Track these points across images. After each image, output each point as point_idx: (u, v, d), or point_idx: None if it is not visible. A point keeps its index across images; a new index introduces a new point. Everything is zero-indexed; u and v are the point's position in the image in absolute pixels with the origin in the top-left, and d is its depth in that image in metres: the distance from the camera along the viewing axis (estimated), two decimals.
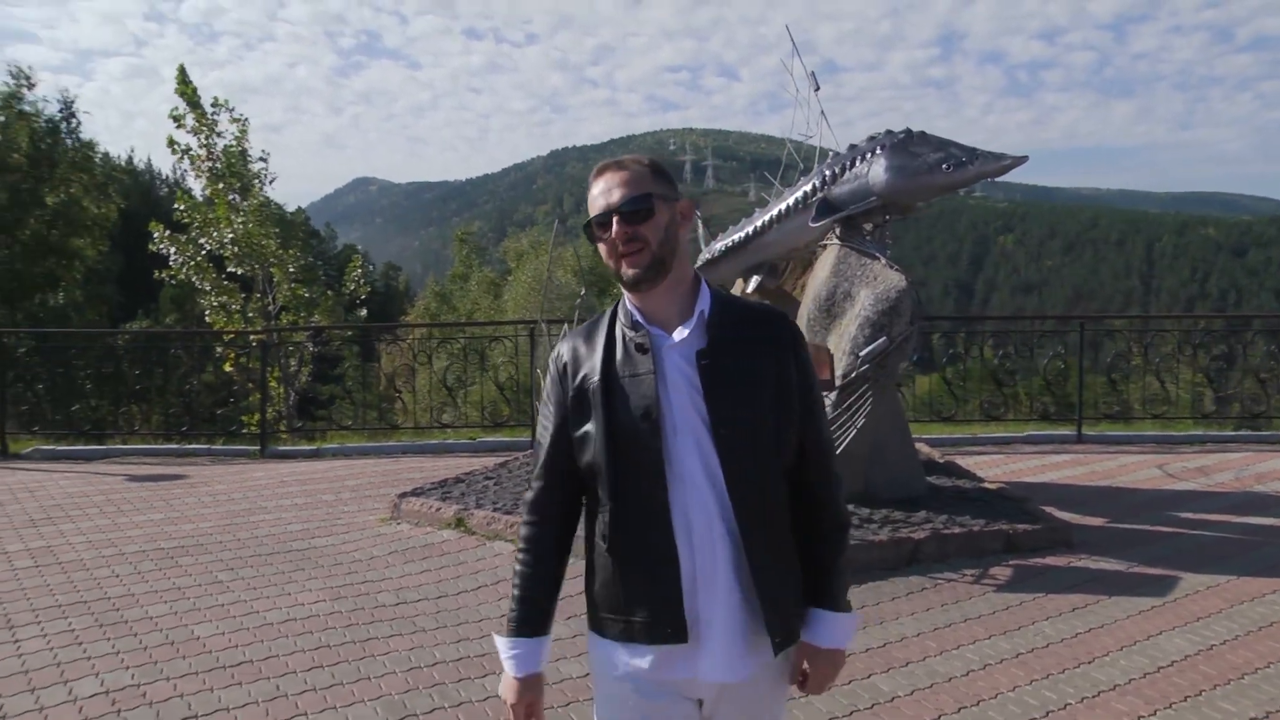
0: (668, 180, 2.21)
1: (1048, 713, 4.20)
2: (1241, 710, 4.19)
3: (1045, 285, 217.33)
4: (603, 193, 2.14)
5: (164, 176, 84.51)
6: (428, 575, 6.26)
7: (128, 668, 4.80)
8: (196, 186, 15.65)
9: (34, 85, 28.69)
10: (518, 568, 2.28)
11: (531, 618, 2.26)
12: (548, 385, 2.29)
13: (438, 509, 7.42)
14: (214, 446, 11.53)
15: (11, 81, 28.41)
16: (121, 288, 38.43)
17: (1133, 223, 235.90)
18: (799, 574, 2.23)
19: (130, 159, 77.26)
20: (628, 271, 2.12)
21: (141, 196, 64.11)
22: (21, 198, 27.66)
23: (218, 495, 8.71)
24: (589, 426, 2.16)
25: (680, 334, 2.12)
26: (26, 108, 28.94)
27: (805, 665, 2.24)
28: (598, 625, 2.24)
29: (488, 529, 7.05)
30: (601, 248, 2.16)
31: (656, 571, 2.12)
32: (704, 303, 2.16)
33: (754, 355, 2.15)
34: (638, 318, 2.17)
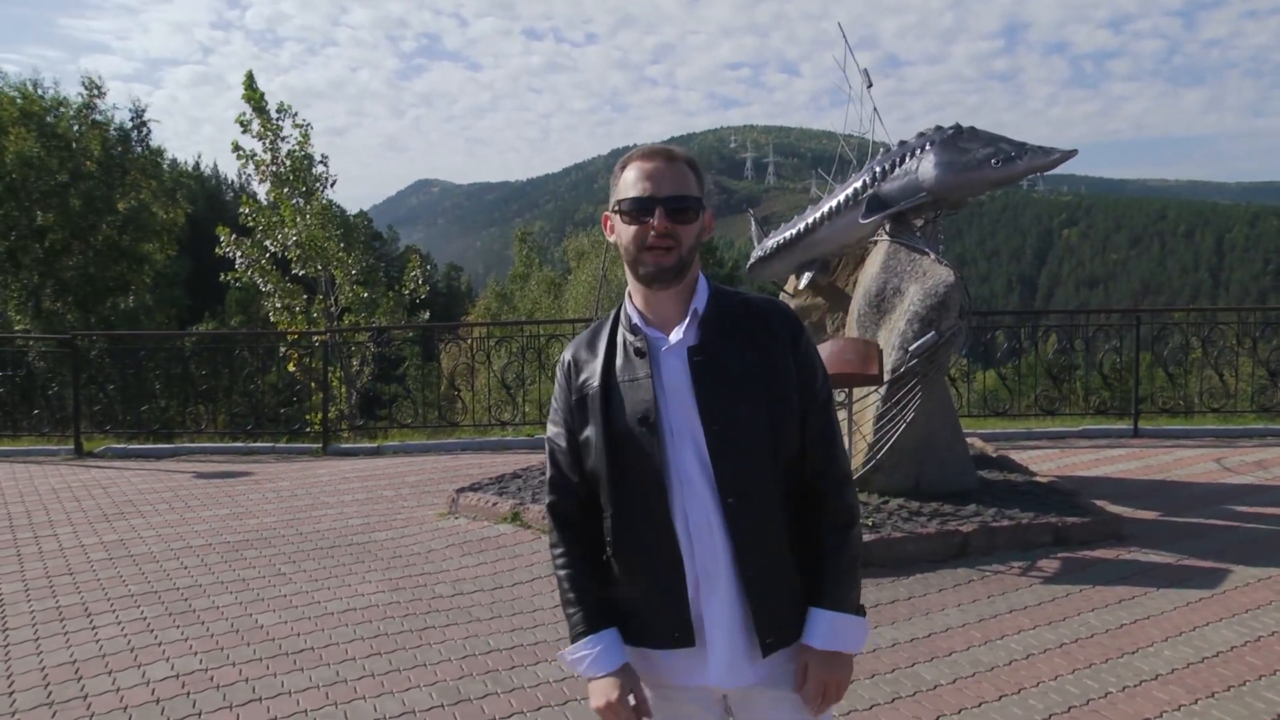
0: (703, 186, 2.18)
1: (1089, 700, 4.24)
2: None
3: (1111, 279, 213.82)
4: (650, 178, 2.08)
5: (229, 181, 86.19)
6: (484, 568, 6.43)
7: (196, 654, 5.02)
8: (261, 190, 15.98)
9: (104, 94, 29.42)
10: (560, 574, 2.23)
11: (593, 614, 2.18)
12: (556, 390, 2.28)
13: (494, 504, 7.59)
14: (278, 445, 11.85)
15: (85, 92, 29.20)
16: (189, 291, 39.21)
17: (1201, 214, 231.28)
18: (801, 574, 2.17)
19: (197, 164, 79.01)
20: (650, 266, 2.08)
21: (208, 201, 65.51)
22: (95, 204, 28.43)
23: (281, 491, 8.97)
24: (589, 432, 2.15)
25: (676, 335, 2.11)
26: (99, 117, 29.75)
27: (808, 675, 2.13)
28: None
29: (543, 523, 7.20)
30: (628, 231, 2.10)
31: (661, 576, 2.10)
32: (699, 300, 2.13)
33: (746, 351, 2.11)
34: (636, 320, 2.16)
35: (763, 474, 2.09)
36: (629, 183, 2.09)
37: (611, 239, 2.19)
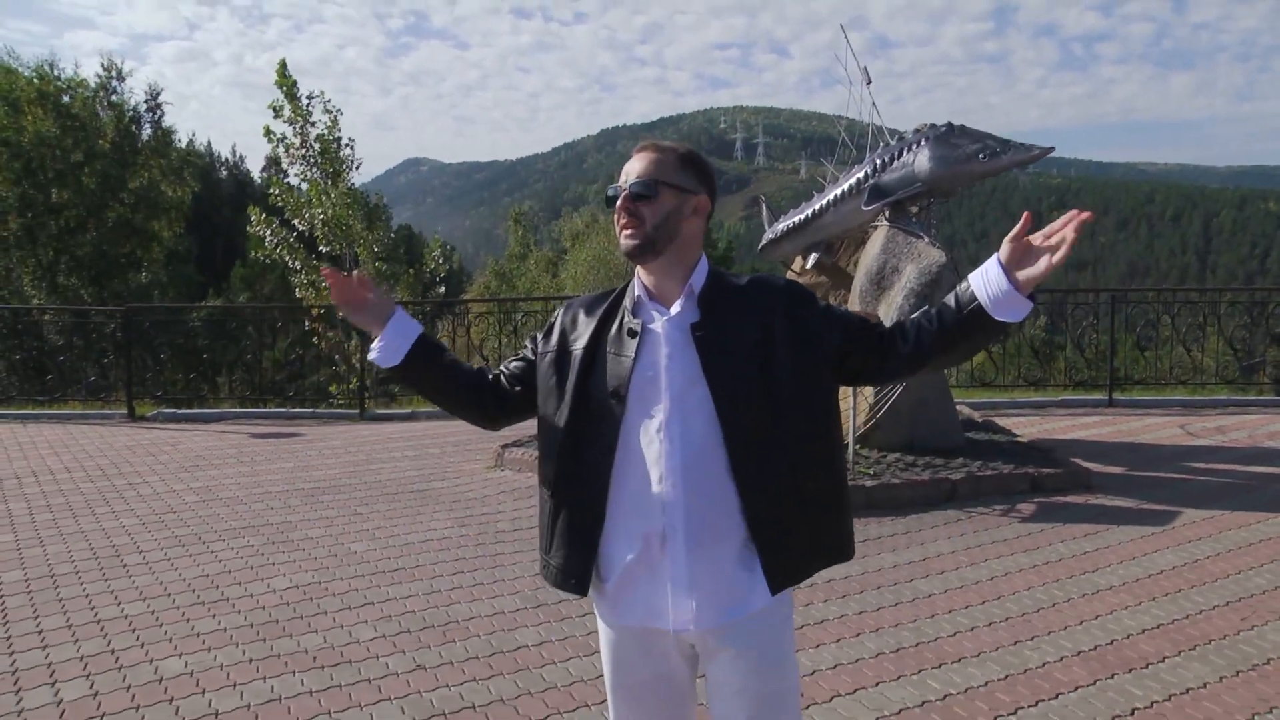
0: (696, 173, 2.32)
1: (1054, 604, 5.22)
2: (1208, 601, 5.20)
3: (1099, 262, 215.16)
4: (626, 171, 2.30)
5: (223, 159, 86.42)
6: (535, 509, 7.32)
7: (307, 571, 5.95)
8: (291, 172, 16.81)
9: (125, 78, 30.16)
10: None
11: (427, 341, 2.48)
12: (548, 323, 2.49)
13: (536, 457, 8.51)
14: (318, 410, 12.77)
15: (103, 73, 29.93)
16: (197, 268, 40.03)
17: (1189, 198, 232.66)
18: (813, 516, 2.30)
19: (191, 142, 79.33)
20: (623, 242, 2.29)
21: (202, 179, 66.05)
22: (109, 183, 29.19)
23: (336, 449, 9.90)
24: (561, 385, 2.36)
25: (675, 308, 2.27)
26: (115, 98, 30.50)
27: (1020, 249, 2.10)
28: (539, 565, 2.47)
29: None
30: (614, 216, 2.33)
31: (579, 530, 2.31)
32: (698, 280, 2.30)
33: (739, 321, 2.26)
34: (640, 293, 2.33)
35: (766, 430, 2.22)
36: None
37: None
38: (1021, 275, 2.08)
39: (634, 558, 2.26)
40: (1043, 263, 2.06)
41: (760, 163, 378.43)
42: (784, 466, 2.23)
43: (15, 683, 4.38)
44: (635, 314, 2.31)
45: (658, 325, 2.27)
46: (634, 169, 2.28)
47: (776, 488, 2.23)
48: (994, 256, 2.14)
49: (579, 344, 2.34)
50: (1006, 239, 2.10)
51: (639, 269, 2.35)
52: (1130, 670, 4.37)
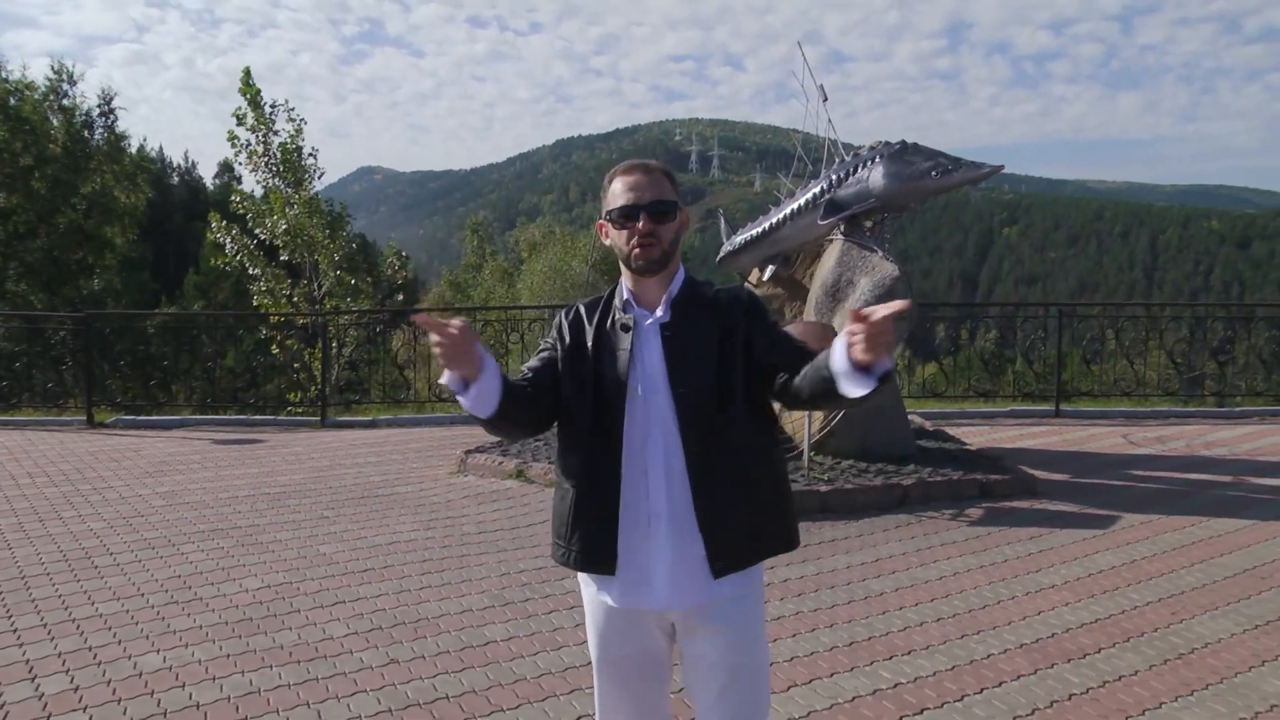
0: (677, 190, 2.56)
1: (999, 601, 5.48)
2: (1143, 597, 5.49)
3: (1049, 277, 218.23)
4: (633, 189, 2.47)
5: (175, 165, 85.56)
6: (499, 513, 7.54)
7: (278, 572, 6.09)
8: (250, 180, 16.91)
9: (76, 81, 29.97)
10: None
11: (507, 381, 2.43)
12: (555, 327, 2.66)
13: (499, 463, 8.71)
14: (278, 418, 12.83)
15: (53, 76, 29.71)
16: (151, 275, 39.72)
17: (1137, 215, 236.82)
18: (763, 505, 2.54)
19: (143, 147, 78.47)
20: (639, 260, 2.49)
21: (155, 184, 65.36)
22: (60, 188, 28.96)
23: (299, 455, 10.00)
24: (579, 377, 2.54)
25: (659, 313, 2.53)
26: (66, 102, 30.27)
27: (855, 332, 2.14)
28: (555, 552, 2.61)
29: (546, 478, 8.31)
30: (620, 234, 2.50)
31: (601, 511, 2.49)
32: (675, 286, 2.55)
33: (703, 326, 2.51)
34: (627, 297, 2.57)
35: (721, 426, 2.46)
36: (617, 194, 2.49)
37: (607, 242, 2.61)
38: (857, 358, 2.15)
39: (629, 540, 2.47)
40: (862, 354, 2.13)
41: (715, 175, 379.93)
42: (731, 457, 2.47)
43: None
44: (625, 312, 2.55)
45: (644, 325, 2.52)
46: (644, 190, 2.47)
47: (724, 476, 2.46)
48: (840, 336, 2.22)
49: (588, 340, 2.55)
50: (846, 326, 2.18)
51: (626, 277, 2.58)
52: (1069, 660, 4.63)
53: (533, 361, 2.64)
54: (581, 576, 2.62)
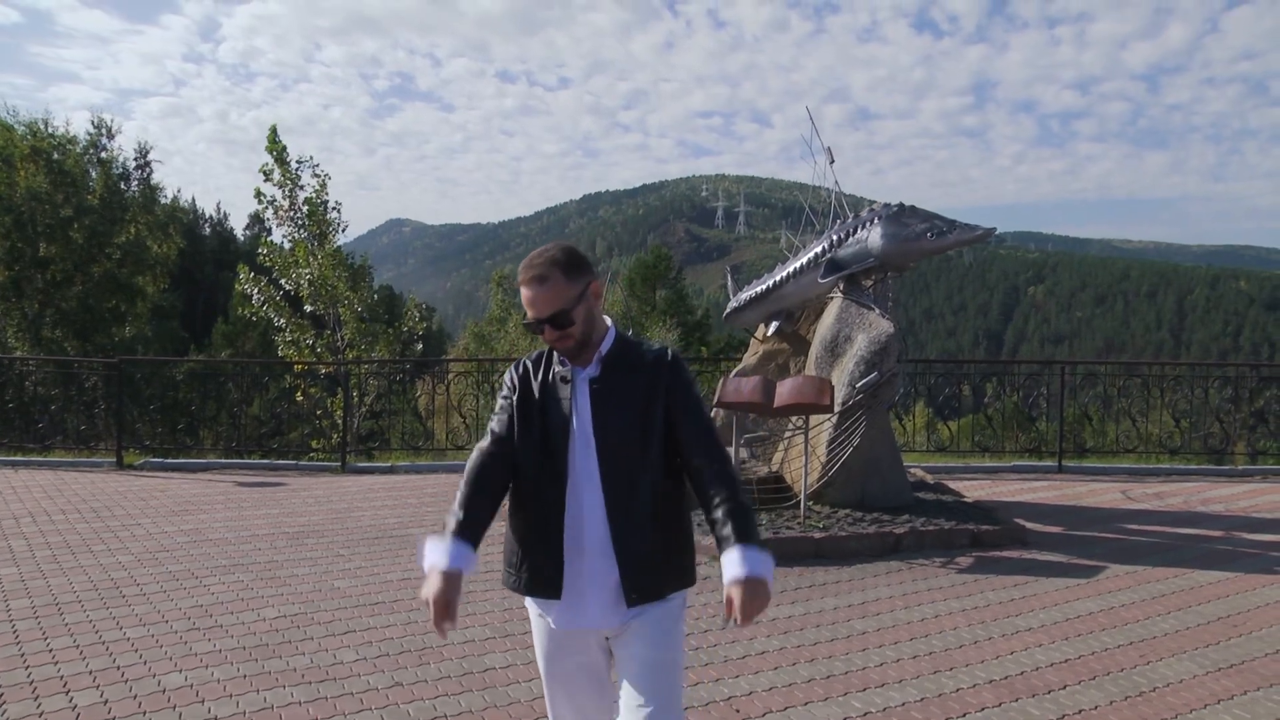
0: (580, 267, 2.79)
1: (975, 641, 5.76)
2: (1115, 641, 5.76)
3: (1076, 336, 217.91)
4: (531, 305, 2.74)
5: (207, 216, 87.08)
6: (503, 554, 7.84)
7: (293, 603, 6.44)
8: (278, 233, 17.50)
9: (114, 135, 30.86)
10: (462, 492, 2.86)
11: (472, 528, 2.80)
12: (507, 383, 2.98)
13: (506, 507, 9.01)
14: (300, 462, 13.23)
15: (93, 130, 30.64)
16: (180, 324, 40.45)
17: (1164, 275, 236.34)
18: (670, 544, 2.87)
19: (176, 198, 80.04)
20: (561, 354, 2.86)
21: (186, 235, 66.61)
22: (96, 238, 29.74)
23: (319, 498, 10.37)
24: (526, 427, 2.87)
25: (590, 371, 2.85)
26: (104, 155, 31.19)
27: (733, 597, 2.58)
28: (506, 579, 2.97)
29: None
30: (542, 336, 2.84)
31: (546, 543, 2.83)
32: (606, 346, 2.86)
33: (629, 382, 2.84)
34: (563, 358, 2.88)
35: (637, 470, 2.79)
36: (524, 301, 2.77)
37: None
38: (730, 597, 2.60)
39: (570, 568, 2.82)
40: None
41: (741, 231, 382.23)
42: (644, 499, 2.80)
43: (33, 691, 4.86)
44: (563, 366, 2.88)
45: (578, 379, 2.85)
46: (539, 303, 2.75)
47: (638, 515, 2.80)
48: (728, 569, 2.62)
49: (535, 391, 2.89)
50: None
51: None
52: (1034, 695, 4.91)
53: (493, 423, 2.95)
54: (528, 600, 2.98)
